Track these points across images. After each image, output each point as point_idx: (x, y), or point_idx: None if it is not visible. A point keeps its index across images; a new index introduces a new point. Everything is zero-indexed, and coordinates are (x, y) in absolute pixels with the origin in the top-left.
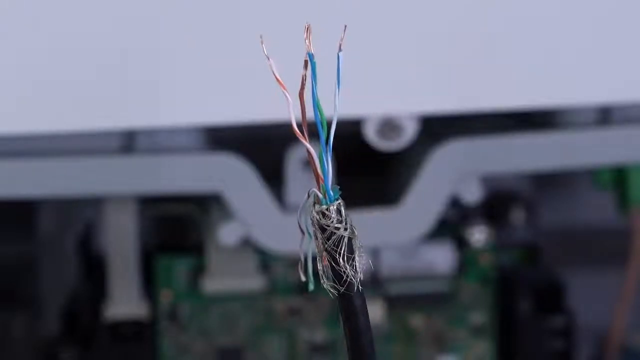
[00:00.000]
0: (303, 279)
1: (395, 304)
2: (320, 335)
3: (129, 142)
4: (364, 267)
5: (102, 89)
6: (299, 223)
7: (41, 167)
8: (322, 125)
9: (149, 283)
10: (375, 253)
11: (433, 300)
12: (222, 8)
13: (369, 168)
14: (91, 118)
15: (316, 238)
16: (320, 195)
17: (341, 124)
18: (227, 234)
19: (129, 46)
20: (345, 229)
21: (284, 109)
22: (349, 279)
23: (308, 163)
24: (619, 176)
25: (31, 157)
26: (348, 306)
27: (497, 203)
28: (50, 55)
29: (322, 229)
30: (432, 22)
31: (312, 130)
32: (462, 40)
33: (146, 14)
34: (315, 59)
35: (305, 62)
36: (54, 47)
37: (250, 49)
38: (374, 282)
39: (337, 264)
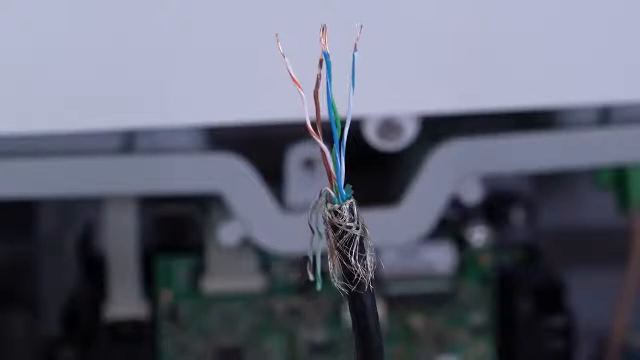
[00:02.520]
0: (311, 278)
1: (395, 304)
2: (320, 335)
3: (129, 142)
4: (375, 267)
5: (102, 89)
6: (309, 222)
7: (41, 167)
8: (336, 124)
9: (149, 283)
10: (375, 253)
11: (433, 300)
12: (221, 8)
13: (369, 168)
14: (91, 118)
15: (327, 237)
16: (333, 194)
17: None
18: (227, 234)
19: (129, 46)
20: (357, 228)
21: (284, 109)
22: (360, 278)
23: (309, 164)
24: (619, 176)
25: (31, 157)
26: (359, 305)
27: (497, 203)
28: (50, 55)
29: (334, 228)
30: (432, 22)
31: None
32: (462, 40)
33: (146, 13)
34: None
35: (321, 61)
36: (54, 47)
37: (250, 48)
38: (374, 282)
39: (349, 262)
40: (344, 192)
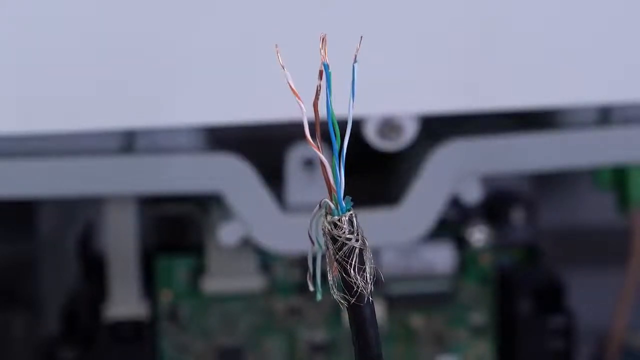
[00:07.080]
0: (311, 288)
1: (395, 304)
2: (320, 335)
3: (129, 142)
4: (374, 278)
5: (102, 89)
6: (309, 233)
7: (41, 167)
8: (335, 136)
9: (149, 283)
10: (375, 253)
11: (433, 300)
12: (221, 9)
13: (369, 168)
14: (91, 118)
15: (327, 248)
16: (332, 206)
17: (342, 124)
18: (227, 234)
19: (129, 46)
20: (357, 240)
21: (284, 109)
22: (359, 290)
23: (309, 164)
24: (619, 176)
25: (31, 157)
26: (358, 317)
27: (497, 203)
28: (50, 55)
29: (334, 240)
30: (432, 22)
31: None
32: (462, 40)
33: (147, 14)
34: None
35: (320, 72)
36: (54, 47)
37: (250, 49)
38: (374, 282)
39: (348, 274)
40: (344, 204)
